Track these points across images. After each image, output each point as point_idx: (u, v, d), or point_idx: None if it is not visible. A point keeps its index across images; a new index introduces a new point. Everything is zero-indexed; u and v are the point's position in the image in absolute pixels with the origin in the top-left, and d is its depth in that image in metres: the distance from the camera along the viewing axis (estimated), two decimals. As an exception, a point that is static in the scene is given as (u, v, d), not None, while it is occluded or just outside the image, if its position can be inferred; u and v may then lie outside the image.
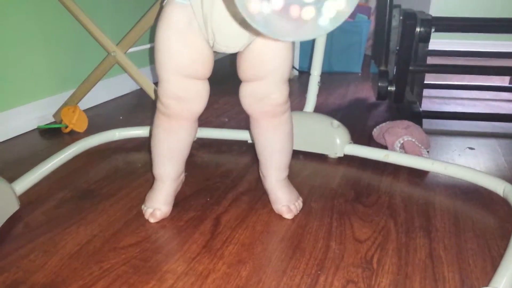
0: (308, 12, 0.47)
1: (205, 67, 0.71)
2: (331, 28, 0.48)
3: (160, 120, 0.76)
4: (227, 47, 0.70)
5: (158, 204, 0.80)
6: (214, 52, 0.72)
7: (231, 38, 0.68)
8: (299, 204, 0.84)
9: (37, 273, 0.65)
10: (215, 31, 0.67)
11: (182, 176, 0.86)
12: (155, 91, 0.76)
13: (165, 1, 0.69)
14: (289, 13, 0.47)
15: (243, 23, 0.63)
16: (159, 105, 0.74)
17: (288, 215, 0.81)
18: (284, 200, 0.82)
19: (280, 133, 0.79)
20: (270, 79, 0.72)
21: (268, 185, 0.84)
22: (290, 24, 0.47)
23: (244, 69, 0.73)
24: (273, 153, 0.81)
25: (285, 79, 0.74)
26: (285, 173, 0.83)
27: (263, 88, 0.73)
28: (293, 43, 0.73)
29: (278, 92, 0.74)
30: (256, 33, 0.63)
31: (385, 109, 1.58)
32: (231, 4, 0.62)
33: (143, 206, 0.82)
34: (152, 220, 0.79)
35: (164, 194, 0.81)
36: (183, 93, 0.72)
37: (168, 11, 0.68)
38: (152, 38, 1.74)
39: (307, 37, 0.50)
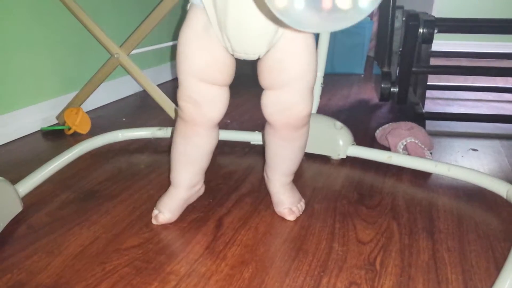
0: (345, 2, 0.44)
1: (222, 73, 0.70)
2: (371, 9, 0.44)
3: (178, 125, 0.76)
4: (246, 54, 0.67)
5: (164, 209, 0.79)
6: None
7: (247, 45, 0.66)
8: (301, 206, 0.84)
9: (40, 274, 0.65)
10: (230, 37, 0.65)
11: (199, 187, 0.84)
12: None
13: (188, 5, 0.69)
14: (321, 5, 0.44)
15: (270, 16, 0.60)
16: (178, 108, 0.74)
17: (290, 217, 0.81)
18: (287, 203, 0.82)
19: (296, 144, 0.77)
20: (294, 87, 0.69)
21: (272, 188, 0.84)
22: (322, 15, 0.45)
23: (265, 76, 0.70)
24: (284, 161, 0.80)
25: (310, 88, 0.70)
26: (290, 178, 0.83)
27: (286, 97, 0.70)
28: (315, 47, 0.69)
29: (303, 104, 0.70)
30: (284, 25, 0.61)
31: (388, 110, 1.58)
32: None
33: (155, 208, 0.82)
34: (154, 222, 0.79)
35: (173, 201, 0.80)
36: (198, 96, 0.71)
37: (189, 15, 0.68)
38: (156, 39, 1.75)
39: (335, 27, 0.47)
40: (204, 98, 0.71)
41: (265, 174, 0.85)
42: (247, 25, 0.63)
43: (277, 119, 0.73)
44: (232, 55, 0.69)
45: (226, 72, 0.70)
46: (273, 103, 0.71)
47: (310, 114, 0.73)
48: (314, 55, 0.69)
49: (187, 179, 0.79)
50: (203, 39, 0.67)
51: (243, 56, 0.68)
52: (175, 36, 1.98)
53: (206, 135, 0.76)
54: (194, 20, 0.67)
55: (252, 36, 0.64)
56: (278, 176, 0.82)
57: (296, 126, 0.73)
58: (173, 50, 2.02)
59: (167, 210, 0.79)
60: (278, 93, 0.70)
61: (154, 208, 0.81)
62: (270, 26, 0.63)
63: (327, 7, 0.44)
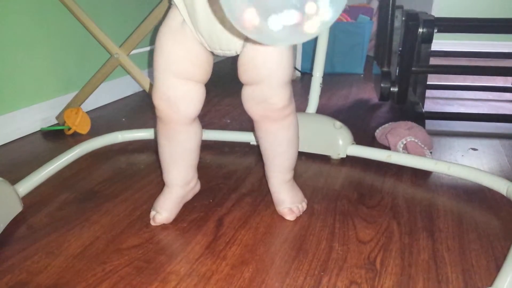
0: (311, 24, 0.45)
1: (196, 67, 0.71)
2: (317, 33, 0.47)
3: (158, 125, 0.77)
4: (222, 50, 0.70)
5: (160, 209, 0.79)
6: (215, 56, 0.73)
7: (220, 41, 0.68)
8: (302, 206, 0.83)
9: (40, 275, 0.65)
10: (202, 33, 0.67)
11: (194, 184, 0.84)
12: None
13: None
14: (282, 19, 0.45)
15: (232, 29, 0.63)
16: (155, 109, 0.75)
17: (290, 217, 0.81)
18: (287, 202, 0.82)
19: (282, 137, 0.78)
20: (266, 83, 0.71)
21: (272, 187, 0.84)
22: (284, 31, 0.46)
23: (241, 73, 0.72)
24: (275, 156, 0.80)
25: (282, 83, 0.71)
26: (288, 175, 0.82)
27: (261, 92, 0.72)
28: (292, 46, 0.71)
29: (277, 97, 0.72)
30: (246, 38, 0.63)
31: (388, 110, 1.58)
32: (218, 10, 0.62)
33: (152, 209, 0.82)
34: (152, 223, 0.79)
35: (169, 200, 0.80)
36: (172, 93, 0.71)
37: (168, 14, 0.70)
38: (152, 41, 1.75)
39: (299, 40, 0.49)
40: (178, 94, 0.72)
41: (266, 175, 0.85)
42: (217, 22, 0.65)
43: (255, 112, 0.74)
44: (211, 52, 0.71)
45: (201, 67, 0.72)
46: (249, 97, 0.73)
47: (287, 107, 0.74)
48: (286, 53, 0.70)
49: (178, 177, 0.80)
50: (178, 34, 0.69)
51: (220, 52, 0.71)
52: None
53: (186, 131, 0.76)
54: (171, 17, 0.70)
55: (223, 33, 0.66)
56: (274, 173, 0.82)
57: (274, 118, 0.74)
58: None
59: (163, 210, 0.79)
60: (253, 88, 0.72)
61: (151, 209, 0.81)
62: None
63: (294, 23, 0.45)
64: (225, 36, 0.67)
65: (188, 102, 0.73)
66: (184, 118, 0.74)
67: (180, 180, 0.80)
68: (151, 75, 1.80)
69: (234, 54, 0.71)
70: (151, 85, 0.76)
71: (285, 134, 0.77)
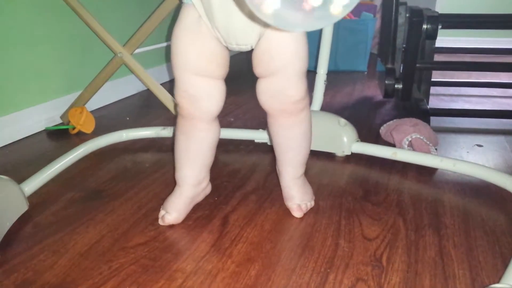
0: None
1: (214, 63, 0.71)
2: (342, 15, 0.47)
3: (178, 122, 0.76)
4: (238, 45, 0.69)
5: (170, 209, 0.78)
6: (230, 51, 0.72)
7: (237, 35, 0.67)
8: (311, 204, 0.83)
9: (46, 273, 0.65)
10: (219, 28, 0.67)
11: (205, 186, 0.83)
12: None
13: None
14: (302, 4, 0.45)
15: (251, 15, 0.62)
16: (177, 107, 0.75)
17: (297, 214, 0.81)
18: (297, 198, 0.81)
19: (296, 131, 0.77)
20: (283, 74, 0.70)
21: (283, 182, 0.83)
22: (300, 15, 0.46)
23: (256, 65, 0.71)
24: (288, 151, 0.79)
25: (299, 74, 0.71)
26: (300, 170, 0.82)
27: (277, 84, 0.71)
28: (305, 36, 0.71)
29: (294, 89, 0.71)
30: (265, 25, 0.62)
31: (392, 107, 1.57)
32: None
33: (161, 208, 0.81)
34: (160, 223, 0.79)
35: (179, 200, 0.79)
36: (193, 91, 0.72)
37: (181, 13, 0.70)
38: (160, 38, 1.75)
39: (318, 26, 0.49)
40: (200, 91, 0.72)
41: (277, 169, 0.85)
42: (233, 16, 0.64)
43: (270, 105, 0.74)
44: (226, 47, 0.71)
45: (219, 63, 0.71)
46: (265, 90, 0.72)
47: (303, 100, 0.73)
48: (302, 43, 0.70)
49: (191, 176, 0.79)
50: (194, 32, 0.69)
51: (236, 47, 0.70)
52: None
53: (206, 129, 0.76)
54: (185, 16, 0.69)
55: (239, 27, 0.66)
56: (286, 167, 0.81)
57: (290, 111, 0.73)
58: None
59: (173, 210, 0.78)
60: (269, 80, 0.71)
61: (161, 208, 0.80)
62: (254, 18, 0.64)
63: (308, 7, 0.46)
64: (241, 30, 0.66)
65: (209, 99, 0.73)
66: (206, 115, 0.74)
67: (192, 179, 0.79)
68: (156, 73, 1.81)
69: (249, 48, 0.71)
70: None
71: (300, 128, 0.77)
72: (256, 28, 0.66)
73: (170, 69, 2.00)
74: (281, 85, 0.71)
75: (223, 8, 0.64)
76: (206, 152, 0.79)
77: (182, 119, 0.75)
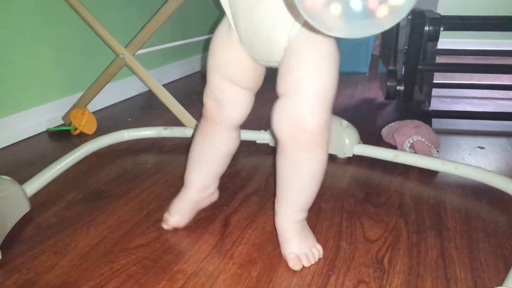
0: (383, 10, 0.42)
1: (244, 75, 0.69)
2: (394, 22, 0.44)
3: (201, 123, 0.76)
4: (263, 61, 0.66)
5: (174, 212, 0.77)
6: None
7: (260, 51, 0.64)
8: (312, 253, 0.69)
9: (48, 274, 0.65)
10: (245, 42, 0.65)
11: (212, 192, 0.80)
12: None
13: None
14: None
15: (291, 8, 0.59)
16: (203, 107, 0.74)
17: (295, 266, 0.67)
18: (294, 247, 0.68)
19: (305, 170, 0.65)
20: (300, 91, 0.60)
21: (278, 223, 0.70)
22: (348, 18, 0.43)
23: (278, 82, 0.64)
24: (290, 189, 0.68)
25: (320, 97, 0.60)
26: (300, 215, 0.70)
27: (294, 103, 0.61)
28: (336, 59, 0.63)
29: (311, 115, 0.60)
30: (308, 25, 0.58)
31: (394, 108, 1.57)
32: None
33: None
34: (164, 226, 0.77)
35: (183, 203, 0.77)
36: (220, 94, 0.70)
37: (224, 18, 0.70)
38: (162, 39, 1.75)
39: (359, 34, 0.46)
40: (225, 96, 0.70)
41: (275, 207, 0.72)
42: (256, 29, 0.62)
43: (282, 129, 0.63)
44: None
45: (247, 75, 0.69)
46: (279, 110, 0.63)
47: (321, 133, 0.62)
48: (327, 61, 0.61)
49: (198, 179, 0.77)
50: (225, 38, 0.68)
51: (264, 63, 0.68)
52: (180, 35, 1.99)
53: (225, 136, 0.74)
54: (222, 22, 0.69)
55: (261, 41, 0.63)
56: (285, 208, 0.69)
57: (303, 143, 0.62)
58: (176, 49, 2.03)
59: (176, 213, 0.77)
60: (286, 98, 0.62)
61: (166, 211, 0.79)
62: (278, 32, 0.61)
63: (372, 8, 0.43)
64: (264, 47, 0.63)
65: (234, 106, 0.71)
66: (228, 121, 0.72)
67: (199, 182, 0.77)
68: (158, 74, 1.81)
69: (277, 65, 0.65)
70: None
71: (309, 168, 0.65)
72: (278, 44, 0.62)
73: (172, 70, 2.00)
74: (296, 105, 0.61)
75: (248, 22, 0.62)
76: (220, 159, 0.77)
77: (204, 121, 0.75)
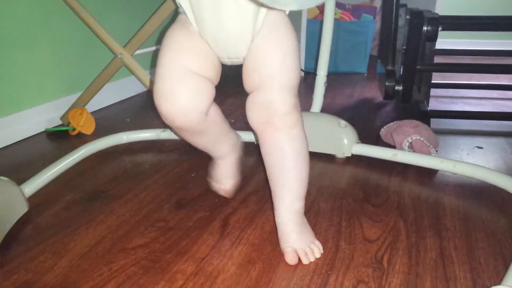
0: None
1: (209, 63, 0.68)
2: None
3: (176, 131, 0.73)
4: (230, 59, 0.68)
5: (225, 179, 0.84)
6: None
7: (227, 47, 0.66)
8: (311, 250, 0.69)
9: (47, 275, 0.65)
10: (209, 41, 0.66)
11: (239, 140, 0.86)
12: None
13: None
14: None
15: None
16: (163, 119, 0.69)
17: (292, 261, 0.68)
18: (292, 240, 0.69)
19: (288, 151, 0.67)
20: (268, 86, 0.65)
21: (276, 218, 0.71)
22: None
23: (244, 78, 0.67)
24: (281, 175, 0.69)
25: (286, 87, 0.65)
26: (297, 203, 0.70)
27: (263, 97, 0.65)
28: (297, 51, 0.68)
29: (279, 101, 0.64)
30: (259, 3, 0.60)
31: (392, 108, 1.57)
32: None
33: (212, 182, 0.87)
34: (227, 195, 0.85)
35: (228, 168, 0.84)
36: (180, 89, 0.65)
37: (178, 18, 0.70)
38: (160, 39, 1.75)
39: (310, 4, 0.48)
40: (189, 88, 0.66)
41: (273, 205, 0.74)
42: (224, 26, 0.63)
43: (257, 119, 0.67)
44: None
45: (212, 63, 0.68)
46: (251, 104, 0.67)
47: (292, 115, 0.66)
48: (291, 55, 0.65)
49: (226, 147, 0.82)
50: (189, 31, 0.67)
51: (228, 61, 0.69)
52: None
53: (210, 120, 0.72)
54: (181, 19, 0.68)
55: (229, 38, 0.65)
56: (280, 199, 0.70)
57: (277, 126, 0.66)
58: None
59: (229, 178, 0.84)
60: (255, 94, 0.66)
61: (210, 180, 0.87)
62: (246, 26, 0.64)
63: None
64: (231, 41, 0.65)
65: (202, 98, 0.67)
66: (203, 114, 0.68)
67: (228, 148, 0.82)
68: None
69: (241, 62, 0.68)
70: (151, 82, 0.73)
71: (292, 147, 0.67)
72: (246, 38, 0.65)
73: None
74: (266, 98, 0.65)
75: (214, 18, 0.63)
76: (224, 125, 0.79)
77: (179, 130, 0.72)
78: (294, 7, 0.50)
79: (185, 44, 0.67)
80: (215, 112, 0.74)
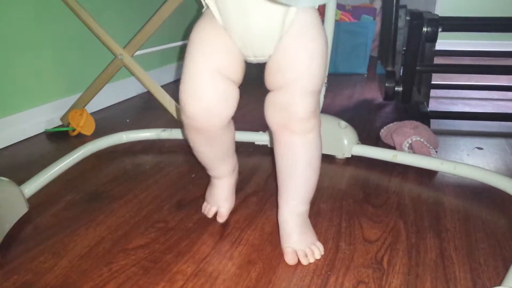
0: None
1: (237, 64, 0.65)
2: None
3: (192, 135, 0.70)
4: (256, 57, 0.65)
5: (222, 201, 0.80)
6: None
7: (254, 45, 0.63)
8: (311, 251, 0.69)
9: (47, 275, 0.65)
10: (236, 39, 0.63)
11: (237, 166, 0.83)
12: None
13: (203, 10, 0.67)
14: None
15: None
16: (188, 119, 0.67)
17: (291, 261, 0.68)
18: (293, 240, 0.70)
19: (301, 156, 0.67)
20: (291, 88, 0.63)
21: (279, 217, 0.72)
22: None
23: (266, 76, 0.66)
24: (290, 178, 0.70)
25: (308, 91, 0.64)
26: (301, 206, 0.71)
27: (283, 98, 0.64)
28: (326, 54, 0.66)
29: (299, 105, 0.63)
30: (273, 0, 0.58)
31: (392, 109, 1.57)
32: None
33: (204, 204, 0.83)
34: (220, 221, 0.80)
35: (225, 190, 0.80)
36: (209, 93, 0.64)
37: (203, 13, 0.66)
38: (160, 40, 1.75)
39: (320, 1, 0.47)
40: (218, 93, 0.64)
41: (278, 204, 0.74)
42: (250, 24, 0.61)
43: (274, 120, 0.67)
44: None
45: (240, 65, 0.66)
46: (271, 103, 0.66)
47: (310, 120, 0.65)
48: (318, 59, 0.64)
49: (227, 168, 0.79)
50: (217, 28, 0.64)
51: (254, 59, 0.67)
52: (179, 36, 1.99)
53: (226, 131, 0.71)
54: (208, 14, 0.65)
55: (256, 35, 0.62)
56: (286, 199, 0.71)
57: (294, 130, 0.65)
58: (174, 50, 2.03)
59: (225, 201, 0.80)
60: (276, 94, 0.65)
61: (205, 203, 0.82)
62: (274, 23, 0.61)
63: None
64: (258, 39, 0.63)
65: (228, 103, 0.66)
66: (225, 121, 0.67)
67: (230, 168, 0.80)
68: (156, 75, 1.81)
69: (267, 60, 0.66)
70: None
71: (305, 152, 0.67)
72: (273, 36, 0.63)
73: (170, 71, 2.00)
74: (286, 100, 0.64)
75: (240, 16, 0.61)
76: (233, 145, 0.78)
77: (196, 133, 0.69)
78: (306, 4, 0.49)
79: (215, 43, 0.64)
80: (232, 125, 0.73)
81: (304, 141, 0.67)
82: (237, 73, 0.66)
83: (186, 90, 0.65)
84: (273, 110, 0.66)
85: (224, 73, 0.64)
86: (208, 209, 0.82)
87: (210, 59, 0.64)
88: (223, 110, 0.66)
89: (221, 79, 0.64)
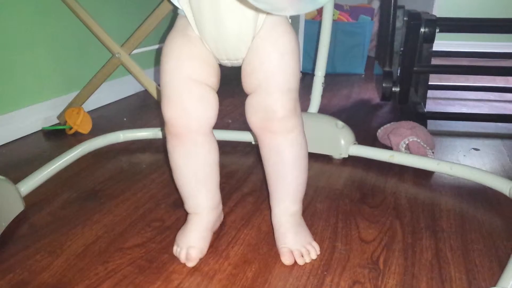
0: None
1: (211, 69, 0.66)
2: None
3: (171, 145, 0.68)
4: (229, 60, 0.67)
5: (193, 243, 0.68)
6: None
7: (227, 49, 0.64)
8: (307, 251, 0.69)
9: (42, 274, 0.65)
10: (209, 42, 0.64)
11: (221, 209, 0.76)
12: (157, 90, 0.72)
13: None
14: None
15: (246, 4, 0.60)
16: (167, 124, 0.67)
17: (287, 261, 0.68)
18: (288, 241, 0.69)
19: (286, 155, 0.67)
20: (264, 88, 0.64)
21: (273, 219, 0.72)
22: None
23: (242, 80, 0.66)
24: (278, 179, 0.69)
25: (283, 90, 0.64)
26: (293, 206, 0.71)
27: (260, 98, 0.64)
28: (297, 53, 0.67)
29: (276, 105, 0.63)
30: (255, 9, 0.60)
31: (390, 110, 1.58)
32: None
33: (175, 247, 0.70)
34: (189, 265, 0.67)
35: (200, 229, 0.70)
36: (186, 96, 0.64)
37: (176, 21, 0.68)
38: (158, 39, 1.74)
39: (307, 8, 0.48)
40: (194, 97, 0.65)
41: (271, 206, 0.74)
42: (225, 28, 0.62)
43: (254, 122, 0.67)
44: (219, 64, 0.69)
45: (214, 69, 0.67)
46: (250, 106, 0.66)
47: (290, 119, 0.65)
48: (290, 58, 0.64)
49: (207, 199, 0.71)
50: (188, 37, 0.66)
51: (228, 62, 0.68)
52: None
53: (208, 141, 0.68)
54: (180, 23, 0.67)
55: (230, 39, 0.63)
56: (277, 201, 0.71)
57: (276, 130, 0.65)
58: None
59: (197, 242, 0.69)
60: (253, 96, 0.66)
61: (175, 246, 0.70)
62: (246, 27, 0.63)
63: None
64: (232, 43, 0.64)
65: (205, 106, 0.65)
66: (204, 125, 0.66)
67: (209, 202, 0.71)
68: (154, 73, 1.80)
69: (241, 63, 0.67)
70: (158, 89, 0.71)
71: (290, 152, 0.67)
72: (246, 40, 0.64)
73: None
74: (263, 100, 0.64)
75: (214, 20, 0.62)
76: (215, 168, 0.71)
77: (176, 140, 0.67)
78: (292, 12, 0.50)
79: (185, 51, 0.65)
80: (215, 145, 0.70)
81: (287, 141, 0.67)
82: (212, 77, 0.67)
83: (164, 96, 0.66)
84: (253, 112, 0.66)
85: (197, 79, 0.65)
86: (178, 252, 0.69)
87: (182, 66, 0.65)
88: (201, 112, 0.65)
89: (195, 84, 0.65)
